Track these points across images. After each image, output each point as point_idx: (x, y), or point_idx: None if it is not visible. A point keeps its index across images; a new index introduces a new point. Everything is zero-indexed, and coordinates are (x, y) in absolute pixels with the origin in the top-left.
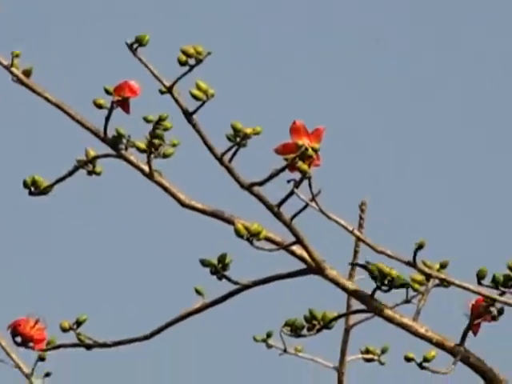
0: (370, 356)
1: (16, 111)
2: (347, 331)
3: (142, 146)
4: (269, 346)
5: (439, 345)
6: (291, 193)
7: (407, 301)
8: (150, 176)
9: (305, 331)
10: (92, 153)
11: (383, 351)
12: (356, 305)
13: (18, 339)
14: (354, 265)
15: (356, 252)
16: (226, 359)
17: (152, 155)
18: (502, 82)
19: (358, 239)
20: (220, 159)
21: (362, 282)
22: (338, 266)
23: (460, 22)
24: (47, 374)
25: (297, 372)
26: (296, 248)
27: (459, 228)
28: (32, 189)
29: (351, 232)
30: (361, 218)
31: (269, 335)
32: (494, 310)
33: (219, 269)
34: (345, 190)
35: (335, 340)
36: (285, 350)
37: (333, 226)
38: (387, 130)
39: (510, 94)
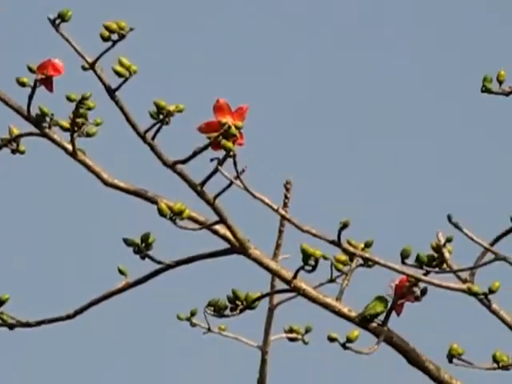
0: (293, 335)
1: None
2: (271, 311)
3: (66, 124)
4: (193, 325)
5: (362, 325)
6: (215, 171)
7: (331, 280)
8: (73, 155)
9: (228, 311)
10: (15, 131)
11: (307, 331)
12: (280, 285)
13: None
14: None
15: (281, 231)
16: (150, 338)
17: (75, 134)
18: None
19: (283, 218)
20: (143, 136)
21: (286, 261)
22: (262, 245)
23: None
24: None
25: (221, 351)
26: (219, 227)
27: (384, 208)
28: None
29: (276, 211)
30: (286, 196)
31: (193, 314)
32: (417, 291)
33: (142, 248)
34: (270, 168)
35: (259, 319)
36: (209, 329)
37: (257, 205)
38: (312, 108)
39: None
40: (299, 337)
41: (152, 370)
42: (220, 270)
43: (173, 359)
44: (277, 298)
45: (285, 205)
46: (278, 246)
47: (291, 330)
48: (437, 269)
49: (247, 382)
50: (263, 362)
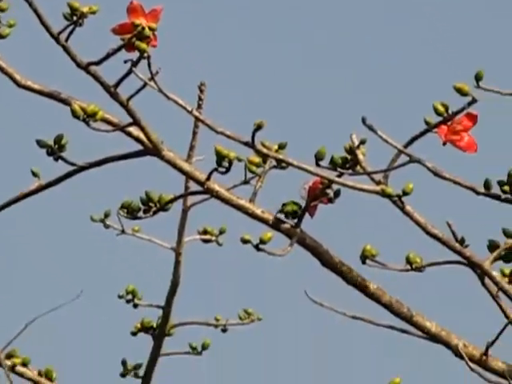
0: (207, 237)
1: None
2: (185, 212)
3: None
4: (106, 227)
5: (275, 226)
6: (129, 72)
7: (245, 182)
8: None
9: (141, 213)
10: None
11: (221, 232)
12: (194, 187)
13: None
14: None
15: (195, 133)
16: (64, 240)
17: None
18: None
19: (197, 120)
20: (57, 38)
21: (200, 164)
22: (177, 147)
23: None
24: None
25: (135, 252)
26: (133, 129)
27: (299, 110)
28: None
29: (190, 112)
30: (200, 98)
31: (106, 215)
32: (330, 192)
33: (55, 150)
34: (184, 70)
35: (173, 221)
36: (122, 231)
37: (172, 107)
38: (227, 10)
39: None
40: (213, 238)
41: (65, 270)
42: (134, 173)
43: (87, 261)
44: (191, 199)
45: (199, 106)
46: (191, 148)
47: (205, 232)
48: (350, 171)
49: (161, 283)
50: (177, 263)
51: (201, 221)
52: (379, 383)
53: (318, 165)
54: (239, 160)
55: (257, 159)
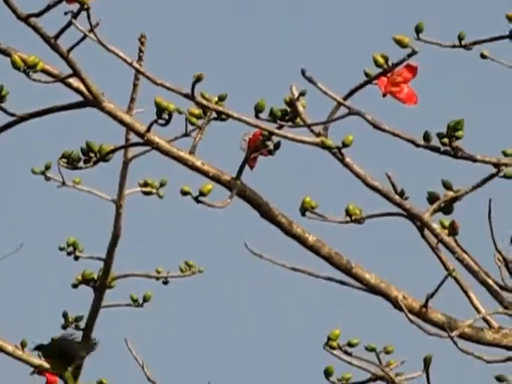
0: (148, 189)
1: None
2: (126, 164)
3: None
4: (47, 179)
5: (215, 178)
6: (69, 24)
7: (186, 134)
8: None
9: (81, 163)
10: None
11: (161, 184)
12: (135, 139)
13: None
14: None
15: (135, 85)
16: (4, 192)
17: None
18: None
19: (137, 72)
20: None
21: (141, 116)
22: (117, 99)
23: None
24: None
25: (75, 205)
26: (73, 80)
27: (238, 62)
28: None
29: (130, 64)
30: (140, 50)
31: (47, 167)
32: (270, 144)
33: None
34: (124, 22)
35: (113, 173)
36: (63, 183)
37: (112, 59)
38: None
39: None
40: (154, 191)
41: (5, 223)
42: (75, 124)
43: (27, 213)
44: (132, 152)
45: (139, 58)
46: (132, 100)
47: (146, 184)
48: (290, 123)
49: (102, 235)
50: (118, 215)
51: (142, 173)
52: (319, 335)
53: (257, 117)
54: (179, 112)
55: (197, 111)
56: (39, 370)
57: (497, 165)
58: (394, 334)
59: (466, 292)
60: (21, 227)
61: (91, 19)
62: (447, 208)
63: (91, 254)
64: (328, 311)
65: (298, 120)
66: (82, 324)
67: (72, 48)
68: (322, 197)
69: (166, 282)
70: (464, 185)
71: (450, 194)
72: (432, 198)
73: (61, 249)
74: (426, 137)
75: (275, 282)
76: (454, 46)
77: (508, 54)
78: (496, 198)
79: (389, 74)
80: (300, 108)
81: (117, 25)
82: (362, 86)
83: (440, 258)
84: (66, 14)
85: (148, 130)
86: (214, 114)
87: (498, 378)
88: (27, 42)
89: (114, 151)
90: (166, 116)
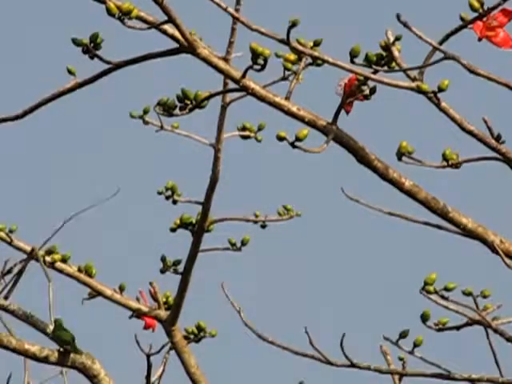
0: (246, 133)
1: None
2: (224, 108)
3: None
4: (146, 123)
5: (311, 123)
6: None
7: (283, 78)
8: None
9: (177, 111)
10: None
11: (260, 128)
12: (232, 85)
13: None
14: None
15: (233, 29)
16: (103, 137)
17: None
18: None
19: (233, 17)
20: None
21: (238, 63)
22: (214, 45)
23: None
24: None
25: (174, 149)
26: (168, 27)
27: (333, 7)
28: None
29: (225, 10)
30: None
31: (145, 112)
32: (366, 89)
33: (91, 48)
34: None
35: (212, 118)
36: (161, 127)
37: (207, 4)
38: None
39: None
40: (252, 135)
41: (105, 167)
42: (171, 71)
43: (126, 157)
44: (230, 97)
45: (238, 2)
46: (230, 44)
47: (244, 128)
48: (386, 67)
49: (200, 178)
50: (216, 159)
51: (239, 119)
52: (416, 279)
53: (352, 62)
54: (277, 56)
55: (292, 56)
56: (137, 314)
57: None
58: (490, 279)
59: None
60: (120, 171)
61: None
62: None
63: (189, 198)
64: (424, 256)
65: (394, 65)
66: (181, 268)
67: None
68: (418, 142)
69: (263, 226)
70: None
71: None
72: None
73: (159, 193)
74: None
75: (372, 227)
76: None
77: None
78: None
79: (484, 19)
80: (395, 53)
81: None
82: (457, 30)
83: None
84: None
85: (243, 75)
86: (310, 60)
87: None
88: None
89: (209, 98)
90: (261, 61)
